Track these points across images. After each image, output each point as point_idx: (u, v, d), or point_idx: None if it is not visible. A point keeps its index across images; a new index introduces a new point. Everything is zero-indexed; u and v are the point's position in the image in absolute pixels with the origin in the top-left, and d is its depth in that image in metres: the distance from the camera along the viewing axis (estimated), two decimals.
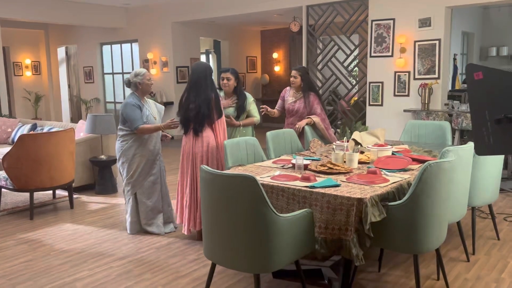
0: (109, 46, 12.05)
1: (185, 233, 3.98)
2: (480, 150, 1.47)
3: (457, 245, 3.74)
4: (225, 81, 4.32)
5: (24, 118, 12.84)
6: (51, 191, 5.54)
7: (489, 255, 3.58)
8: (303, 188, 2.79)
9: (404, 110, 6.91)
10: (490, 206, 3.85)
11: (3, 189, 5.06)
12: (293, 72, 4.65)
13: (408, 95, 7.02)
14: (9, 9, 9.11)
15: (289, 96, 4.76)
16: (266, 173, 3.23)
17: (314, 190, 2.74)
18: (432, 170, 2.61)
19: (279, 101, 4.82)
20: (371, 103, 7.43)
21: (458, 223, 3.42)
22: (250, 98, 4.45)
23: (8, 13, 9.20)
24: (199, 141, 3.91)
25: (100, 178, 5.71)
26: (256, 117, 4.48)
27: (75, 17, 10.13)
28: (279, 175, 3.11)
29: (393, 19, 7.02)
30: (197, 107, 3.85)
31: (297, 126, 4.52)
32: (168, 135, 4.41)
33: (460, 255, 3.56)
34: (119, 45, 11.79)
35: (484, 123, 1.43)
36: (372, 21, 7.24)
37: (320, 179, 2.99)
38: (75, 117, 13.47)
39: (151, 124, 4.08)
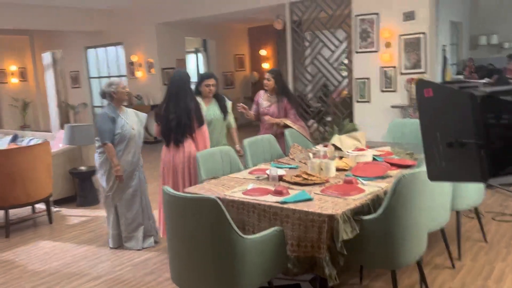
0: (94, 49, 11.87)
1: None
2: (432, 175, 1.34)
3: (442, 250, 3.61)
4: (210, 87, 4.22)
5: (12, 126, 12.70)
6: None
7: (475, 260, 3.46)
8: (273, 204, 2.66)
9: (392, 106, 6.77)
10: (476, 208, 3.73)
11: None
12: (267, 75, 4.57)
13: (395, 91, 6.88)
14: None
15: (263, 100, 4.64)
16: (239, 186, 3.10)
17: (284, 206, 2.61)
18: (407, 181, 2.48)
19: (254, 106, 4.72)
20: (358, 100, 7.29)
21: (442, 229, 3.30)
22: (229, 102, 4.38)
23: None
24: (180, 152, 3.80)
25: (80, 190, 5.58)
26: (233, 125, 4.45)
27: (58, 22, 9.96)
28: (251, 189, 2.98)
29: (377, 13, 6.87)
30: (177, 117, 3.73)
31: (266, 119, 4.46)
32: None
33: (445, 261, 3.44)
34: (104, 48, 11.61)
35: (436, 145, 1.30)
36: (356, 16, 7.09)
37: (294, 192, 2.86)
38: (64, 123, 13.30)
39: (114, 155, 3.93)
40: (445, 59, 9.88)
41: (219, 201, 2.26)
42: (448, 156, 1.27)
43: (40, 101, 13.38)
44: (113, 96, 4.03)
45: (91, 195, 5.60)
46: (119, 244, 4.15)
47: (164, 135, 3.84)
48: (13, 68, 12.98)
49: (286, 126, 4.54)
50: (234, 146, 4.29)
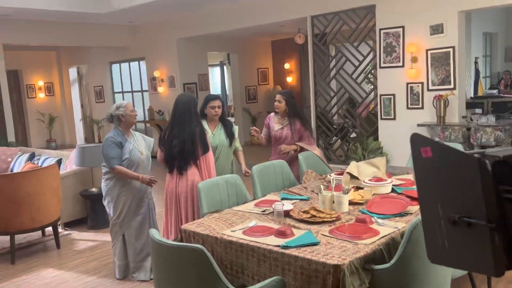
0: (118, 64, 11.91)
1: None
2: (434, 256, 1.05)
3: None
4: (216, 109, 4.03)
5: (38, 140, 12.86)
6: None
7: None
8: (274, 248, 2.39)
9: (418, 125, 6.37)
10: None
11: None
12: (278, 97, 4.32)
13: (422, 108, 6.49)
14: (20, 36, 9.09)
15: (274, 123, 4.40)
16: (241, 223, 2.84)
17: (286, 251, 2.33)
18: None
19: (264, 129, 4.48)
20: (383, 117, 6.93)
21: (469, 272, 2.94)
22: (235, 127, 4.19)
23: (19, 39, 9.23)
24: (183, 180, 3.58)
25: (92, 212, 5.44)
26: (240, 148, 4.26)
27: (84, 38, 10.00)
28: (253, 227, 2.71)
29: (403, 27, 6.52)
30: (181, 143, 3.52)
31: (282, 148, 4.22)
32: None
33: None
34: (127, 63, 11.62)
35: (437, 219, 1.01)
36: (380, 29, 6.75)
37: (300, 232, 2.58)
38: (89, 137, 13.39)
39: (128, 171, 3.73)
40: (477, 71, 9.39)
41: (206, 251, 2.01)
42: (452, 236, 0.98)
43: (66, 115, 13.51)
44: (121, 120, 3.85)
45: (103, 218, 5.43)
46: (126, 274, 3.95)
47: (167, 162, 3.63)
48: (40, 83, 13.17)
49: (302, 150, 4.29)
50: (240, 167, 4.07)
